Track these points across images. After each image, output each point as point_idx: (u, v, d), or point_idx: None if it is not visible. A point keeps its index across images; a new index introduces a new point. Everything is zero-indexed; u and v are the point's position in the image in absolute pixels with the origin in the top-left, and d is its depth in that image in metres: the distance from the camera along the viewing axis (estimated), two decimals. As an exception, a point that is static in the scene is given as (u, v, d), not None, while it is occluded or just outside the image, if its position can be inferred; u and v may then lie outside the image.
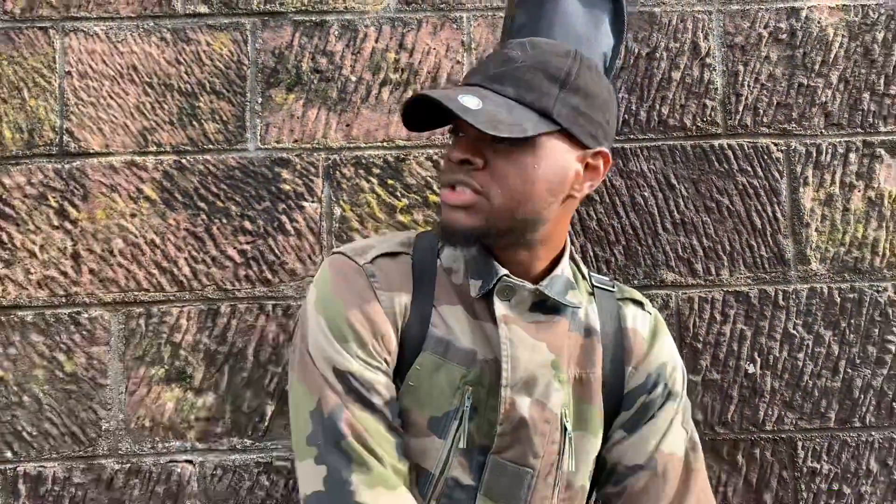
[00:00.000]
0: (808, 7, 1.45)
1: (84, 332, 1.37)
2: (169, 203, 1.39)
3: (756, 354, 1.39)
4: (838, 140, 1.44)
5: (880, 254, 1.42)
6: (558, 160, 0.87)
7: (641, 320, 1.02)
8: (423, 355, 0.89)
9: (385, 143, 1.42)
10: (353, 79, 1.43)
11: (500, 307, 0.90)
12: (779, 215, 1.42)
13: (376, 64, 1.43)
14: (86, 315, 1.38)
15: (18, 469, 1.35)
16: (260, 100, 1.42)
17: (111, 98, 1.41)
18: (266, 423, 1.37)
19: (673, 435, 0.97)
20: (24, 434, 1.36)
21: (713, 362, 1.39)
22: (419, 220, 1.39)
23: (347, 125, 1.42)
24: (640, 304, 1.04)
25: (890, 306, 1.40)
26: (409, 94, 1.42)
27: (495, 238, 0.90)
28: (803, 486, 1.38)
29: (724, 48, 1.45)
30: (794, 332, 1.40)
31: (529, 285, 0.91)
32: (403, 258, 0.94)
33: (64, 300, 1.38)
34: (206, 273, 1.39)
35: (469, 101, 0.83)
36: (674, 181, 1.42)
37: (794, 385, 1.39)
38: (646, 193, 1.42)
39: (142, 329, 1.37)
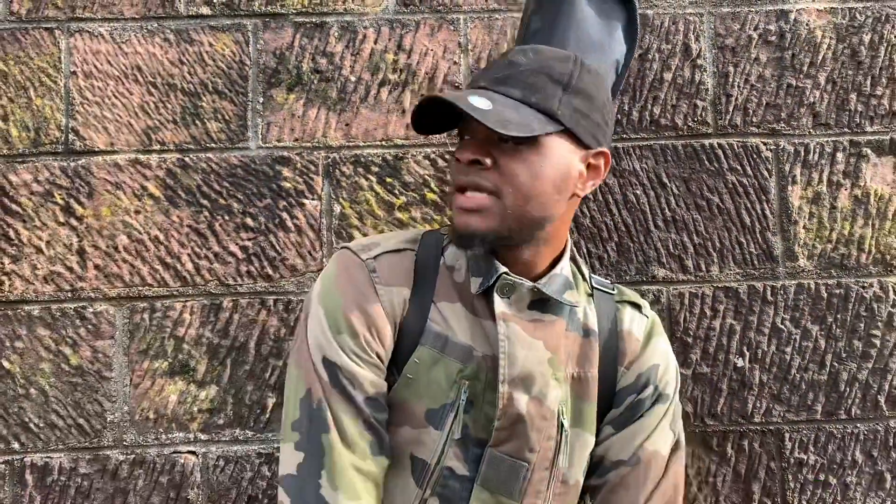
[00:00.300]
0: (797, 10, 1.49)
1: (89, 326, 1.40)
2: (172, 200, 1.43)
3: (745, 348, 1.43)
4: (826, 140, 1.47)
5: (866, 251, 1.45)
6: (563, 159, 0.91)
7: (637, 323, 1.04)
8: (422, 349, 0.93)
9: (384, 142, 1.45)
10: (353, 79, 1.46)
11: (499, 304, 0.92)
12: (767, 213, 1.46)
13: (375, 65, 1.46)
14: (91, 309, 1.41)
15: (25, 459, 1.38)
16: (261, 99, 1.45)
17: (116, 97, 1.44)
18: (267, 415, 1.40)
19: (659, 434, 1.00)
20: (31, 425, 1.39)
21: (703, 356, 1.43)
22: (417, 218, 1.43)
23: (347, 124, 1.45)
24: (637, 306, 1.06)
25: (875, 302, 1.44)
26: (408, 94, 1.46)
27: (505, 239, 0.92)
28: (790, 477, 1.42)
29: (715, 50, 1.48)
30: (782, 326, 1.44)
31: (528, 283, 0.93)
32: (407, 254, 0.97)
33: (70, 295, 1.41)
34: (209, 269, 1.42)
35: (480, 103, 0.86)
36: (665, 179, 1.46)
37: (781, 378, 1.43)
38: (638, 191, 1.45)
39: (146, 323, 1.41)
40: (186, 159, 1.44)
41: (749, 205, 1.46)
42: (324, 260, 1.41)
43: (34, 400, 1.39)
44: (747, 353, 1.43)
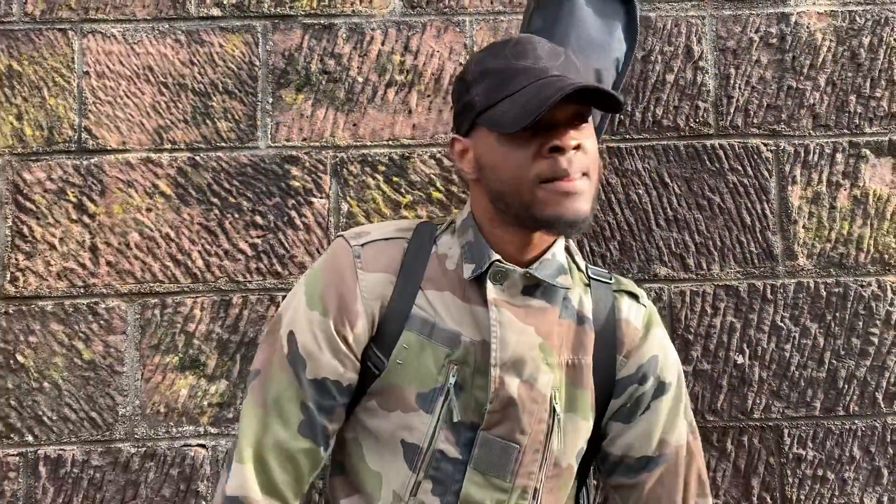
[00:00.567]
0: (798, 13, 1.51)
1: (102, 322, 1.43)
2: (183, 198, 1.46)
3: (745, 346, 1.46)
4: (825, 141, 1.50)
5: (865, 250, 1.48)
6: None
7: (636, 312, 1.05)
8: (409, 335, 0.95)
9: (390, 142, 1.48)
10: (360, 80, 1.48)
11: (491, 291, 0.95)
12: (768, 213, 1.48)
13: (382, 66, 1.49)
14: (103, 305, 1.44)
15: (39, 452, 1.41)
16: (270, 100, 1.48)
17: (128, 97, 1.47)
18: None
19: (676, 426, 1.02)
20: (45, 418, 1.42)
21: (704, 353, 1.45)
22: (423, 216, 1.45)
23: (354, 124, 1.48)
24: (635, 296, 1.07)
25: (873, 300, 1.47)
26: (414, 95, 1.48)
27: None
28: (789, 472, 1.44)
29: (717, 52, 1.50)
30: (782, 324, 1.46)
31: (520, 269, 0.95)
32: (397, 242, 1.00)
33: (82, 291, 1.44)
34: (219, 265, 1.45)
35: (592, 85, 0.90)
36: (667, 179, 1.48)
37: (781, 375, 1.45)
38: (640, 191, 1.48)
39: (157, 319, 1.44)
40: (197, 158, 1.46)
41: (749, 204, 1.48)
42: (331, 257, 1.44)
43: (48, 393, 1.42)
44: (747, 351, 1.46)
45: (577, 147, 0.90)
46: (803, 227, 1.48)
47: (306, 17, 1.49)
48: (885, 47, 1.50)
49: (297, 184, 1.46)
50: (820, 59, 1.51)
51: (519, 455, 0.94)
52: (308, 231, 1.46)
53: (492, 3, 1.49)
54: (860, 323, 1.46)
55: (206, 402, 1.43)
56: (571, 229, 0.91)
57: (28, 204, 1.45)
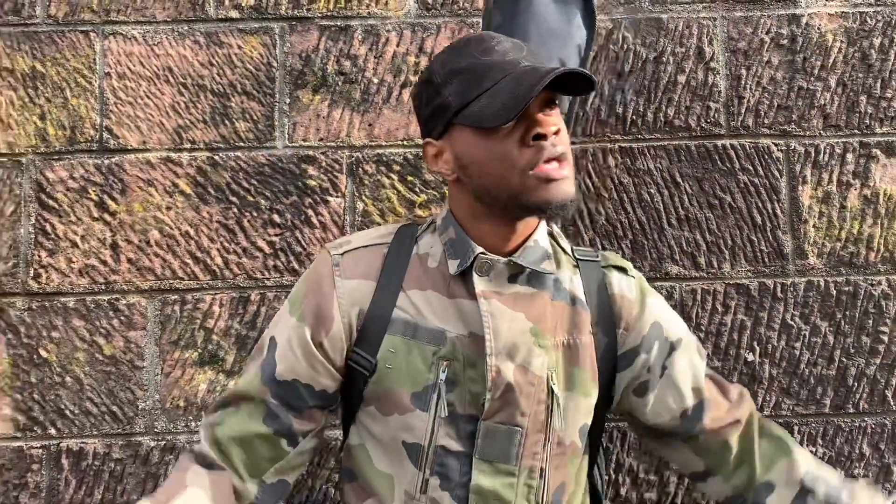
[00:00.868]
0: (809, 14, 1.52)
1: (122, 318, 1.46)
2: (202, 197, 1.48)
3: (755, 343, 1.47)
4: (836, 141, 1.51)
5: (875, 249, 1.49)
6: None
7: (627, 285, 1.06)
8: (393, 338, 0.97)
9: (405, 142, 1.50)
10: (376, 81, 1.51)
11: (479, 283, 0.96)
12: (778, 212, 1.50)
13: (397, 67, 1.51)
14: (124, 301, 1.47)
15: (62, 445, 1.44)
16: (288, 100, 1.50)
17: (148, 98, 1.50)
18: (292, 404, 1.45)
19: (699, 373, 1.06)
20: (67, 412, 1.45)
21: (714, 351, 1.47)
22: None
23: (370, 125, 1.50)
24: (623, 269, 1.08)
25: (883, 299, 1.48)
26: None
27: None
28: (799, 469, 1.46)
29: (728, 53, 1.52)
30: (792, 322, 1.48)
31: (503, 259, 0.97)
32: (377, 249, 1.02)
33: (104, 287, 1.47)
34: (238, 263, 1.47)
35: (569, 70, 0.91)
36: (679, 179, 1.50)
37: (791, 373, 1.47)
38: (652, 190, 1.50)
39: (177, 315, 1.46)
40: (216, 158, 1.49)
41: (760, 204, 1.49)
42: (347, 255, 1.46)
43: (70, 388, 1.45)
44: (758, 349, 1.47)
45: (557, 132, 0.92)
46: (814, 226, 1.49)
47: (323, 19, 1.51)
48: (895, 48, 1.52)
49: (313, 183, 1.49)
50: (831, 60, 1.52)
51: (522, 437, 0.95)
52: (324, 229, 1.48)
53: (505, 4, 1.51)
54: (870, 321, 1.47)
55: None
56: (563, 211, 0.93)
57: (51, 202, 1.48)
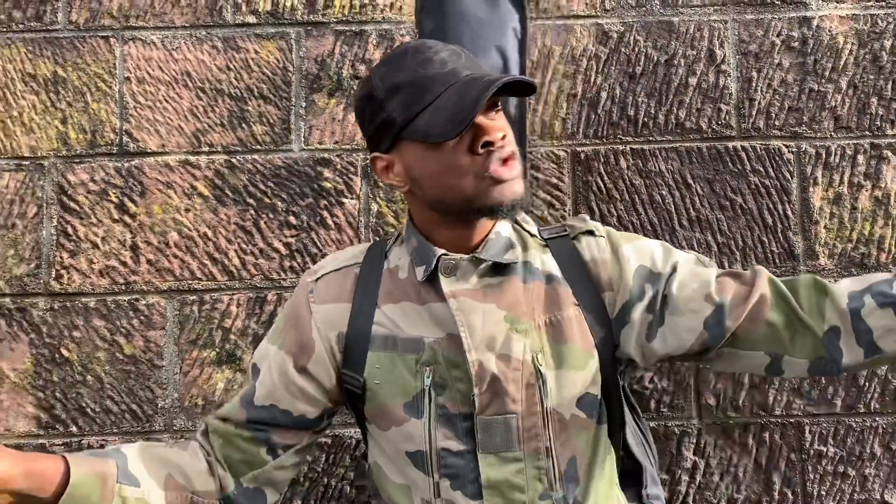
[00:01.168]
0: (820, 16, 1.53)
1: (142, 318, 1.49)
2: (220, 199, 1.51)
3: (766, 344, 1.48)
4: (847, 142, 1.52)
5: (886, 250, 1.50)
6: None
7: (597, 246, 1.04)
8: (376, 354, 1.00)
9: (419, 144, 1.52)
10: (390, 84, 1.53)
11: (446, 284, 0.98)
12: (789, 213, 1.51)
13: (411, 70, 1.53)
14: (143, 302, 1.49)
15: (83, 442, 1.47)
16: (304, 104, 1.53)
17: (167, 102, 1.53)
18: (308, 403, 1.48)
19: (707, 279, 0.99)
20: (88, 410, 1.48)
21: (726, 351, 1.48)
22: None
23: (384, 127, 1.53)
24: (590, 232, 1.06)
25: (894, 300, 1.48)
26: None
27: None
28: (810, 468, 1.47)
29: (739, 55, 1.53)
30: (803, 323, 1.49)
31: (465, 256, 0.99)
32: (349, 271, 1.05)
33: (124, 288, 1.50)
34: (255, 264, 1.50)
35: (510, 78, 0.93)
36: (690, 180, 1.51)
37: (802, 373, 1.48)
38: (664, 192, 1.51)
39: (195, 315, 1.49)
40: (233, 160, 1.52)
41: (771, 205, 1.51)
42: (362, 256, 1.48)
43: (91, 386, 1.48)
44: (769, 349, 1.48)
45: (503, 136, 0.94)
46: (825, 227, 1.50)
47: (338, 24, 1.54)
48: (906, 50, 1.53)
49: (329, 185, 1.51)
50: (842, 62, 1.53)
51: (519, 422, 0.96)
52: (339, 231, 1.50)
53: (518, 8, 1.53)
54: (881, 322, 1.48)
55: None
56: (513, 211, 0.95)
57: (72, 204, 1.51)
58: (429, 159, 0.94)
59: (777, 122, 1.52)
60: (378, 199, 1.51)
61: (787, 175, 1.51)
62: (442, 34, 1.21)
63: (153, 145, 1.52)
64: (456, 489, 0.97)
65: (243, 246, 1.50)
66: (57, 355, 1.48)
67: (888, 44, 1.53)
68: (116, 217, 1.51)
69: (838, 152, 1.52)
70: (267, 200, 1.51)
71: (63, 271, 1.49)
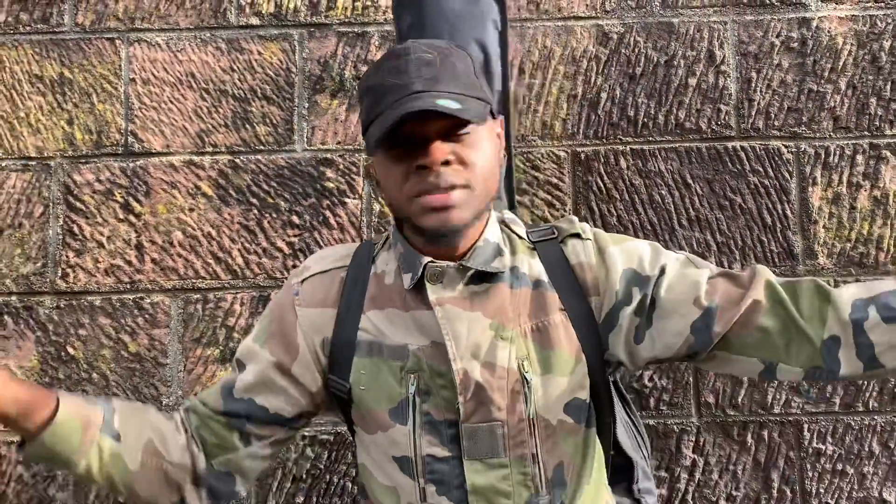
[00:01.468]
0: (819, 17, 1.54)
1: (147, 316, 1.51)
2: (224, 199, 1.53)
3: (765, 343, 1.49)
4: (846, 143, 1.53)
5: (884, 250, 1.51)
6: (493, 136, 0.98)
7: (584, 250, 1.02)
8: (359, 360, 0.99)
9: (421, 145, 1.54)
10: (392, 85, 1.54)
11: (432, 292, 0.97)
12: (788, 213, 1.52)
13: (413, 71, 1.55)
14: (148, 300, 1.51)
15: (88, 439, 1.49)
16: (307, 105, 1.54)
17: (171, 103, 1.54)
18: (311, 401, 1.50)
19: (698, 281, 0.97)
20: (94, 407, 1.50)
21: (725, 349, 1.49)
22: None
23: (386, 128, 1.54)
24: (576, 235, 1.04)
25: (893, 299, 1.49)
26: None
27: (473, 223, 0.96)
28: (809, 466, 1.48)
29: (738, 56, 1.54)
30: (802, 322, 1.50)
31: (452, 264, 0.97)
32: (335, 274, 1.04)
33: (129, 287, 1.51)
34: (258, 263, 1.52)
35: (448, 104, 0.89)
36: (689, 180, 1.52)
37: (801, 371, 1.49)
38: (663, 192, 1.52)
39: (199, 313, 1.51)
40: (237, 161, 1.53)
41: (770, 205, 1.52)
42: (364, 255, 1.50)
43: (96, 383, 1.50)
44: (768, 347, 1.49)
45: (448, 162, 0.91)
46: (823, 227, 1.51)
47: (341, 26, 1.55)
48: (905, 51, 1.53)
49: (331, 185, 1.53)
50: (841, 63, 1.54)
51: (504, 430, 0.96)
52: (342, 230, 1.52)
53: (518, 10, 1.54)
54: (880, 321, 1.49)
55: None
56: (448, 238, 0.94)
57: (78, 204, 1.53)
58: (383, 168, 0.95)
59: (776, 123, 1.53)
60: (380, 199, 1.52)
61: (787, 175, 1.52)
62: (420, 29, 1.20)
63: (158, 146, 1.54)
64: (441, 494, 0.97)
65: (247, 245, 1.52)
66: (63, 353, 1.50)
67: (887, 44, 1.54)
68: (122, 216, 1.53)
69: (837, 152, 1.53)
70: (270, 200, 1.52)
71: (69, 270, 1.51)
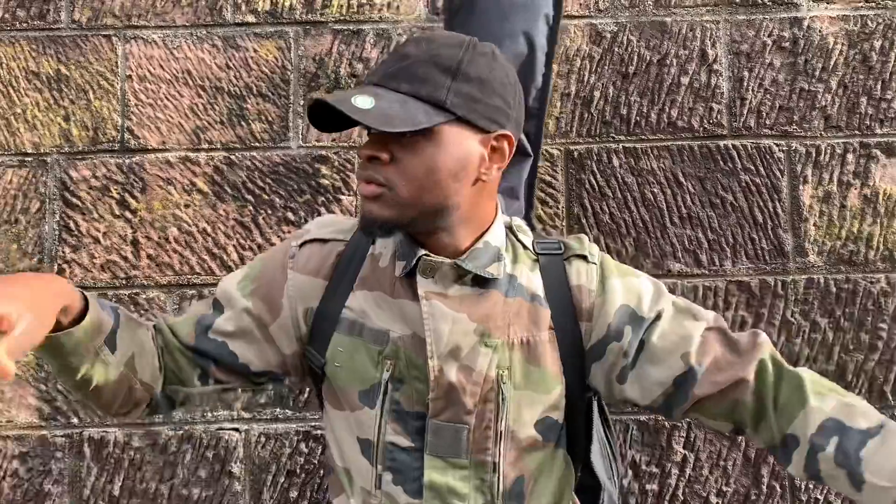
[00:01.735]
0: (810, 17, 1.56)
1: (142, 311, 1.52)
2: (219, 195, 1.54)
3: (756, 339, 1.51)
4: (837, 141, 1.54)
5: (874, 248, 1.52)
6: (460, 148, 0.91)
7: (587, 274, 1.00)
8: (339, 337, 0.99)
9: (415, 142, 1.55)
10: (387, 83, 1.56)
11: (422, 284, 0.96)
12: (779, 211, 1.53)
13: (408, 69, 1.56)
14: (144, 296, 1.52)
15: (84, 433, 1.50)
16: (302, 102, 1.55)
17: (167, 99, 1.55)
18: (306, 396, 1.51)
19: (687, 341, 0.96)
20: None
21: (716, 346, 1.50)
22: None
23: (381, 125, 1.55)
24: (583, 257, 1.02)
25: (882, 297, 1.51)
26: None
27: (408, 226, 0.94)
28: (799, 462, 1.49)
29: (731, 55, 1.56)
30: (792, 319, 1.51)
31: (448, 261, 0.95)
32: (334, 245, 1.02)
33: (124, 282, 1.52)
34: (253, 259, 1.52)
35: (362, 102, 0.87)
36: (681, 178, 1.54)
37: (791, 368, 1.50)
38: (655, 190, 1.53)
39: (194, 309, 1.52)
40: (232, 157, 1.54)
41: (762, 203, 1.53)
42: (359, 252, 1.51)
43: (92, 378, 1.51)
44: (758, 344, 1.50)
45: (371, 158, 0.90)
46: (814, 224, 1.53)
47: (336, 24, 1.56)
48: (895, 51, 1.55)
49: (326, 182, 1.54)
50: (832, 62, 1.55)
51: (469, 434, 0.96)
52: (337, 227, 1.53)
53: (513, 9, 1.55)
54: (869, 318, 1.51)
55: (239, 389, 1.50)
56: (370, 228, 0.92)
57: (74, 200, 1.54)
58: None
59: (768, 121, 1.54)
60: (375, 195, 1.53)
61: (778, 173, 1.54)
62: (468, 12, 1.15)
63: (154, 142, 1.55)
64: (397, 484, 0.97)
65: (242, 241, 1.53)
66: (59, 348, 1.51)
67: (878, 44, 1.55)
68: (118, 213, 1.53)
69: (828, 151, 1.54)
70: (265, 197, 1.54)
71: (65, 265, 1.52)
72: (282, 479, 1.50)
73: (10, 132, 1.54)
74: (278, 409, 1.50)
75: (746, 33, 1.56)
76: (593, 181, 1.54)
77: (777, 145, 1.54)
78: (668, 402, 0.97)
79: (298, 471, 1.50)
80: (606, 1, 1.56)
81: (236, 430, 1.50)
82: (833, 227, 1.53)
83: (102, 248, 1.53)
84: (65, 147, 1.54)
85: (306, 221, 1.52)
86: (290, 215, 1.53)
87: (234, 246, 1.53)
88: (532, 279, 1.00)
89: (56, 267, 1.52)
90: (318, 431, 1.50)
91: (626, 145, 1.54)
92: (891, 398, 1.49)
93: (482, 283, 0.97)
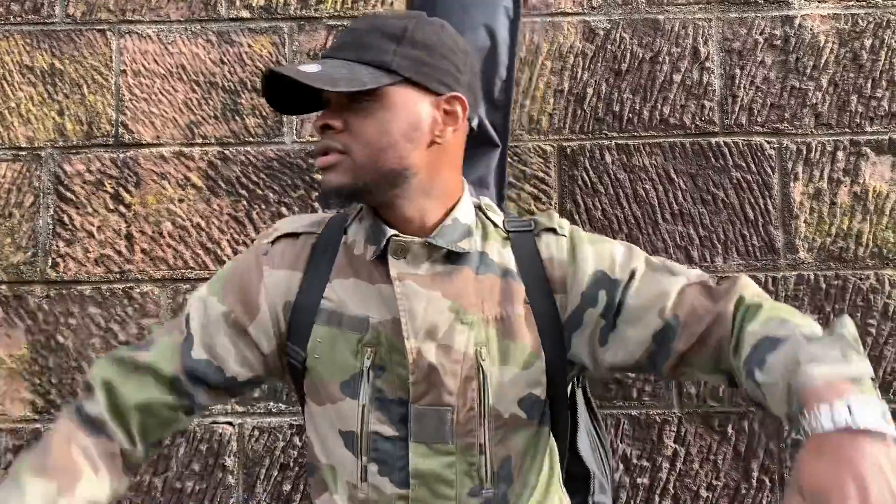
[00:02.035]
0: (802, 15, 1.57)
1: (136, 306, 1.52)
2: (213, 190, 1.54)
3: (746, 335, 1.52)
4: (827, 139, 1.55)
5: (864, 244, 1.53)
6: (411, 109, 0.93)
7: (556, 246, 1.01)
8: (318, 328, 0.97)
9: (409, 138, 1.55)
10: (381, 78, 1.56)
11: (393, 266, 0.95)
12: (770, 208, 1.54)
13: (402, 65, 1.56)
14: (138, 290, 1.53)
15: (78, 427, 1.50)
16: (296, 97, 1.56)
17: (162, 94, 1.56)
18: (299, 390, 1.51)
19: (665, 287, 0.94)
20: (83, 396, 1.51)
21: (707, 342, 1.52)
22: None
23: (375, 121, 1.56)
24: (552, 230, 1.03)
25: (872, 293, 1.52)
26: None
27: (367, 193, 0.95)
28: (788, 457, 1.50)
29: (723, 53, 1.57)
30: (782, 315, 1.52)
31: (417, 239, 0.95)
32: (305, 238, 1.02)
33: (118, 276, 1.53)
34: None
35: (308, 68, 0.90)
36: (673, 175, 1.55)
37: (781, 364, 1.51)
38: (647, 186, 1.55)
39: (188, 303, 1.52)
40: (226, 152, 1.55)
41: (753, 200, 1.54)
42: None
43: (86, 372, 1.51)
44: (749, 340, 1.52)
45: (325, 127, 0.92)
46: (804, 221, 1.54)
47: (330, 19, 1.57)
48: (886, 49, 1.56)
49: (320, 177, 1.54)
50: (823, 61, 1.56)
51: (454, 416, 0.95)
52: (330, 222, 1.54)
53: (507, 5, 1.56)
54: (858, 314, 1.52)
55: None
56: (329, 198, 0.93)
57: (68, 194, 1.54)
58: None
59: (759, 119, 1.56)
60: (368, 191, 1.54)
61: (769, 170, 1.55)
62: (432, 8, 1.18)
63: (148, 137, 1.55)
64: (384, 475, 0.95)
65: (236, 236, 1.54)
66: (53, 342, 1.51)
67: (868, 43, 1.56)
68: (112, 207, 1.54)
69: (819, 148, 1.55)
70: (259, 192, 1.54)
71: (59, 260, 1.53)
72: (275, 473, 1.50)
73: (3, 126, 1.55)
74: (272, 403, 1.51)
75: (738, 31, 1.57)
76: (586, 177, 1.55)
77: (768, 142, 1.55)
78: (652, 361, 0.95)
79: (292, 464, 1.50)
80: (600, -2, 1.57)
81: (230, 423, 1.51)
82: (823, 223, 1.54)
83: (96, 243, 1.53)
84: (59, 141, 1.55)
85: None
86: (283, 210, 1.54)
87: (227, 240, 1.53)
88: (504, 255, 1.00)
89: (50, 261, 1.52)
90: (312, 425, 1.51)
91: (619, 142, 1.55)
92: (879, 395, 1.51)
93: (453, 259, 0.97)
